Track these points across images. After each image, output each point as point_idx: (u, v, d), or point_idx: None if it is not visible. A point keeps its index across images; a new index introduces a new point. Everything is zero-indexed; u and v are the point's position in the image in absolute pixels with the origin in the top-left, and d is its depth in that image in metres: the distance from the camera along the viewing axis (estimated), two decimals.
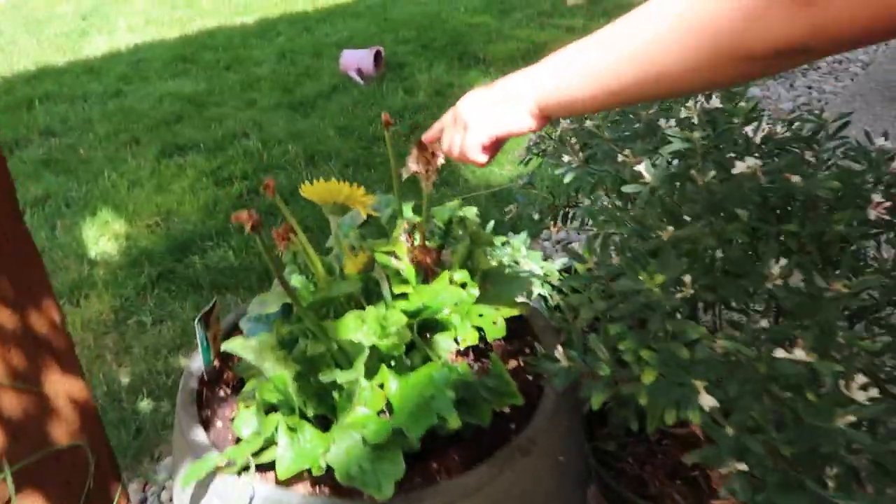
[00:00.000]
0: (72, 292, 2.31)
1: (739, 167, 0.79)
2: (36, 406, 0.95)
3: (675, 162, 0.95)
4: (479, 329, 0.96)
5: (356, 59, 3.97)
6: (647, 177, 0.85)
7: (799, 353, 0.73)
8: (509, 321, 0.92)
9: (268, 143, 3.26)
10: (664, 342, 0.81)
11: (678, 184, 0.84)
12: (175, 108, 3.71)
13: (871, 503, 0.66)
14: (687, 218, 0.84)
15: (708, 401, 0.70)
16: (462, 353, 0.98)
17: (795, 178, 0.83)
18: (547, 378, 0.87)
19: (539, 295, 1.18)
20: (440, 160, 0.85)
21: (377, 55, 4.01)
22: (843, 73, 3.96)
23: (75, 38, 5.20)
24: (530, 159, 1.71)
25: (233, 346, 0.81)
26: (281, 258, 0.93)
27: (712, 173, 0.91)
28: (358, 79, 3.93)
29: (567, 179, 1.10)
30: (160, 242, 2.54)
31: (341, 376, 0.75)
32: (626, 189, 0.89)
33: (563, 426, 0.88)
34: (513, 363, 0.98)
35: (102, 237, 2.63)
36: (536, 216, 1.68)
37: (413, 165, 0.85)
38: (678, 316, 0.81)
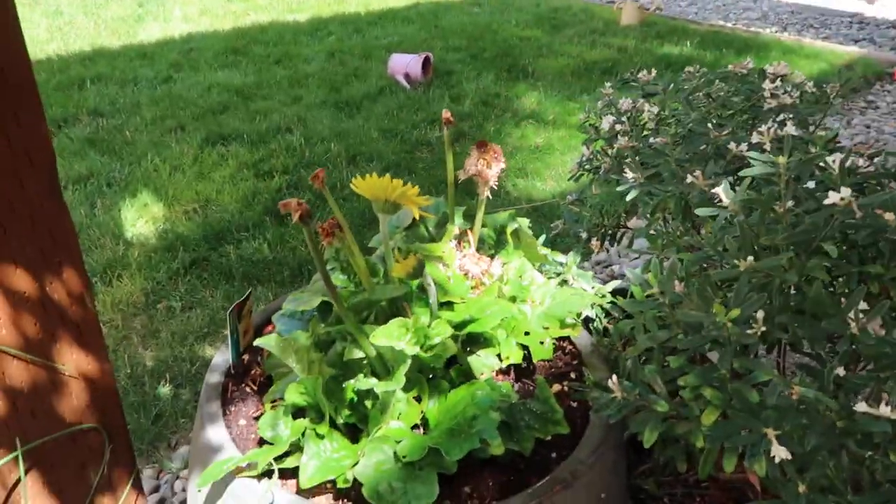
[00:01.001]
0: (105, 271, 2.30)
1: (832, 197, 0.72)
2: (55, 384, 0.91)
3: (752, 187, 0.88)
4: (524, 347, 0.90)
5: (404, 64, 3.95)
6: (726, 200, 0.78)
7: (884, 410, 0.66)
8: (561, 351, 0.86)
9: (311, 140, 3.24)
10: (728, 381, 0.74)
11: (758, 210, 0.78)
12: (222, 98, 3.72)
13: None
14: (765, 248, 0.77)
15: (780, 452, 0.63)
16: (503, 372, 0.92)
17: (889, 216, 0.75)
18: (594, 407, 0.81)
19: (587, 317, 1.11)
20: (501, 164, 0.79)
21: (426, 61, 3.99)
22: None
23: (131, 23, 5.29)
24: (581, 175, 1.65)
25: (267, 342, 0.76)
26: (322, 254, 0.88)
27: (790, 203, 0.84)
28: (405, 83, 3.91)
29: (630, 196, 1.04)
30: (196, 229, 2.53)
31: (380, 385, 0.69)
32: (701, 212, 0.82)
33: (609, 460, 0.81)
34: (556, 387, 0.92)
35: (140, 219, 2.63)
36: (584, 234, 1.61)
37: (472, 167, 0.79)
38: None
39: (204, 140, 3.21)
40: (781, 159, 0.80)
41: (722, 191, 0.79)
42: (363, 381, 0.71)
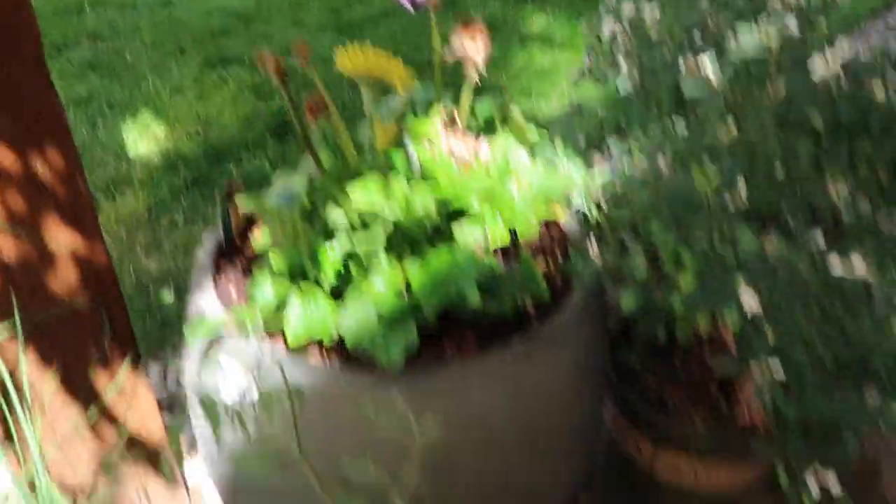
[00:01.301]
0: (108, 187, 2.32)
1: (820, 69, 0.72)
2: (50, 261, 0.94)
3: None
4: (512, 231, 0.91)
5: None
6: (712, 77, 0.77)
7: (858, 266, 0.67)
8: (546, 231, 0.87)
9: (312, 62, 3.19)
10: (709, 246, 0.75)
11: (746, 84, 0.77)
12: (223, 22, 3.66)
13: None
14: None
15: (749, 301, 0.65)
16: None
17: (880, 94, 0.75)
18: (576, 278, 0.83)
19: (577, 210, 1.12)
20: (486, 44, 0.79)
21: None
22: None
23: None
24: (581, 81, 1.63)
25: (252, 203, 0.78)
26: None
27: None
28: (409, 6, 3.82)
29: (622, 88, 1.03)
30: (198, 149, 2.53)
31: (359, 241, 0.71)
32: (688, 91, 0.81)
33: (587, 326, 0.84)
34: (543, 266, 0.94)
35: (142, 139, 2.64)
36: (582, 144, 1.60)
37: (459, 47, 0.79)
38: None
39: (204, 62, 3.17)
40: (773, 31, 0.79)
41: (707, 60, 0.78)
42: (343, 240, 0.72)
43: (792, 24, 1.12)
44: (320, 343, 0.75)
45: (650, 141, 1.07)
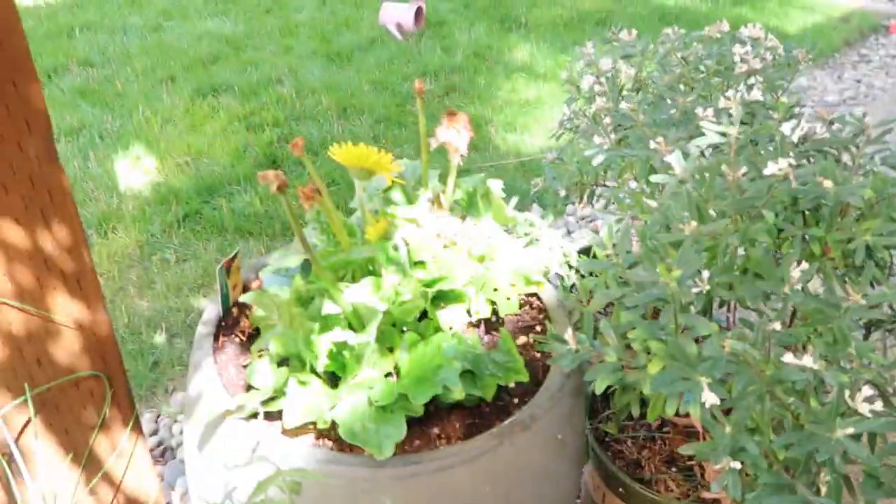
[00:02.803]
0: (100, 224, 2.36)
1: (772, 168, 0.78)
2: (56, 333, 0.98)
3: (708, 154, 0.94)
4: (493, 303, 0.97)
5: (396, 14, 3.92)
6: (677, 168, 0.84)
7: (808, 360, 0.73)
8: (528, 303, 0.93)
9: (301, 92, 3.25)
10: (674, 335, 0.81)
11: (707, 177, 0.83)
12: (213, 48, 3.71)
13: None
14: (713, 213, 0.83)
15: (710, 397, 0.71)
16: (474, 325, 0.99)
17: (828, 183, 0.82)
18: (553, 358, 0.89)
19: (556, 274, 1.18)
20: (469, 133, 0.85)
21: (418, 11, 3.95)
22: (895, 70, 3.83)
23: None
24: (562, 134, 1.70)
25: (251, 298, 0.83)
26: (304, 216, 0.94)
27: (743, 170, 0.90)
28: (397, 34, 3.89)
29: (596, 162, 1.09)
30: (189, 182, 2.57)
31: (353, 338, 0.76)
32: (654, 178, 0.88)
33: (566, 406, 0.90)
34: (522, 339, 1.00)
35: (133, 172, 2.68)
36: (563, 192, 1.67)
37: (442, 135, 0.85)
38: (692, 310, 0.81)
39: (195, 91, 3.22)
40: (732, 129, 0.86)
41: (674, 159, 0.85)
42: (338, 333, 0.78)
43: (756, 95, 1.20)
44: (315, 425, 0.80)
45: (623, 209, 1.14)
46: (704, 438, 0.98)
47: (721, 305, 1.03)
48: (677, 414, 0.99)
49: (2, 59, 0.82)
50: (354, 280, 0.85)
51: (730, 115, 1.09)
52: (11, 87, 0.83)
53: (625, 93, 1.55)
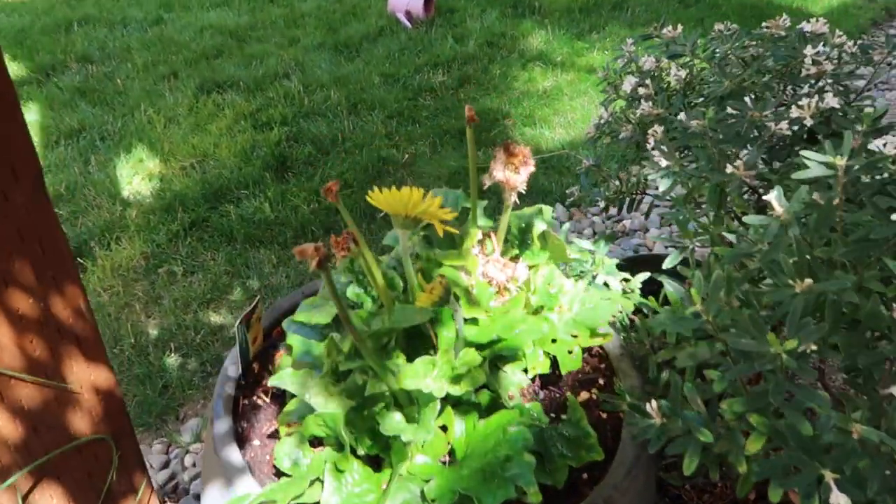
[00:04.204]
0: (103, 234, 2.24)
1: None
2: (58, 397, 0.87)
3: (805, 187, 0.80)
4: (548, 354, 0.84)
5: (405, 1, 3.76)
6: (779, 209, 0.71)
7: None
8: (589, 357, 0.81)
9: (309, 87, 3.11)
10: (785, 411, 0.69)
11: (813, 218, 0.70)
12: (216, 41, 3.56)
13: None
14: (818, 259, 0.70)
15: (841, 500, 0.59)
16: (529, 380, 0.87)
17: None
18: (631, 432, 0.76)
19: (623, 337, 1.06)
20: (531, 167, 0.72)
21: None
22: None
23: None
24: (599, 138, 1.56)
25: (281, 380, 0.71)
26: (335, 266, 0.81)
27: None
28: (406, 22, 3.73)
29: (663, 187, 0.96)
30: (195, 187, 2.44)
31: (406, 433, 0.64)
32: (749, 220, 0.75)
33: (641, 481, 0.77)
34: (583, 394, 0.87)
35: (136, 176, 2.55)
36: (602, 203, 1.54)
37: (499, 173, 0.72)
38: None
39: (199, 88, 3.07)
40: (839, 160, 0.73)
41: (774, 198, 0.72)
42: (390, 426, 0.66)
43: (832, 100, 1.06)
44: None
45: (692, 240, 1.01)
46: None
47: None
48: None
49: None
50: (398, 345, 0.73)
51: (803, 125, 0.95)
52: None
53: (671, 96, 1.42)
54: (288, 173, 2.54)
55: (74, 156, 2.63)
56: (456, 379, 0.68)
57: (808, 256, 0.72)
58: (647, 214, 1.72)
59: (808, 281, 0.64)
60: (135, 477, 0.99)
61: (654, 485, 0.86)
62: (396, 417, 0.68)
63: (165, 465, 1.64)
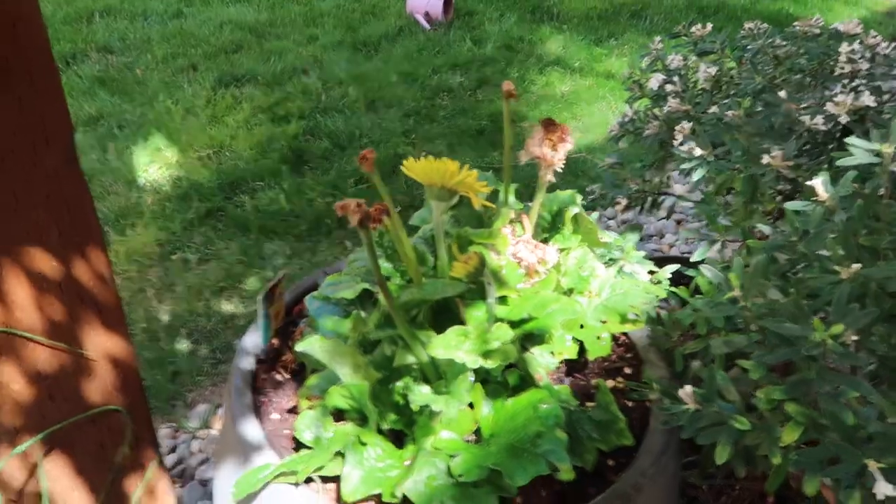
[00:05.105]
0: (118, 220, 2.23)
1: None
2: (75, 364, 0.85)
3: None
4: (579, 341, 0.83)
5: (424, 2, 3.76)
6: (824, 195, 0.69)
7: None
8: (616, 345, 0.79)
9: (327, 83, 3.11)
10: (824, 399, 0.67)
11: (858, 206, 0.69)
12: (235, 36, 3.57)
13: None
14: (861, 246, 0.69)
15: (887, 490, 0.56)
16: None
17: None
18: (662, 419, 0.74)
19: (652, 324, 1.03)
20: (570, 144, 0.70)
21: (447, 0, 3.79)
22: None
23: None
24: (622, 136, 1.55)
25: (308, 347, 0.69)
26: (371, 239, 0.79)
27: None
28: (425, 23, 3.73)
29: (696, 176, 0.95)
30: (211, 177, 2.44)
31: (437, 402, 0.63)
32: (792, 206, 0.73)
33: (670, 470, 0.75)
34: (609, 382, 0.85)
35: (153, 164, 2.55)
36: (623, 201, 1.52)
37: (536, 148, 0.70)
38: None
39: (217, 81, 3.08)
40: (886, 147, 0.71)
41: (819, 184, 0.70)
42: (417, 395, 0.64)
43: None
44: (378, 497, 0.66)
45: (722, 234, 0.99)
46: None
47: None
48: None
49: (16, 46, 0.68)
50: (427, 320, 0.71)
51: (837, 122, 0.94)
52: (26, 82, 0.69)
53: (699, 94, 1.40)
54: (304, 167, 2.53)
55: (93, 143, 2.63)
56: (487, 354, 0.66)
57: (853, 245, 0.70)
58: (668, 216, 1.70)
59: (856, 266, 0.62)
60: (147, 452, 0.98)
61: (679, 478, 0.84)
62: (424, 389, 0.66)
63: (173, 449, 1.62)
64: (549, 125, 0.71)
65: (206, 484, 1.55)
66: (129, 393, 0.93)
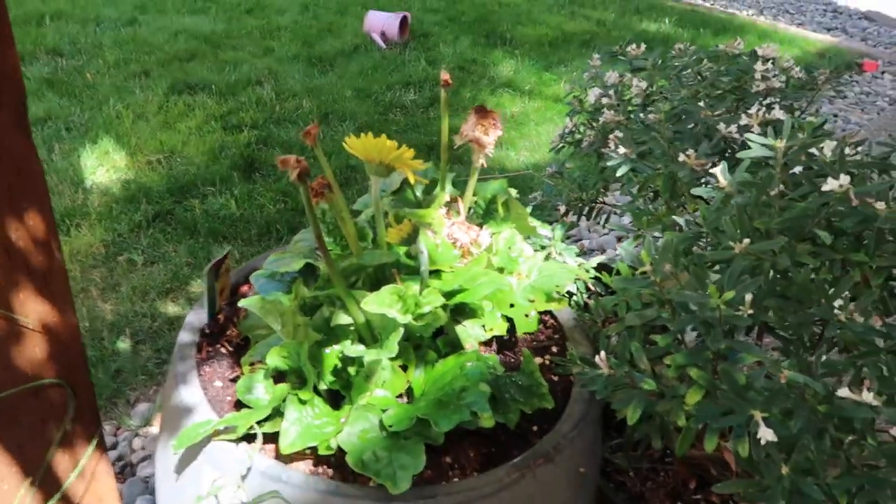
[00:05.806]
0: (63, 220, 2.21)
1: (831, 184, 0.72)
2: (15, 333, 0.87)
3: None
4: (508, 319, 0.89)
5: (381, 22, 3.85)
6: (723, 181, 0.78)
7: (866, 395, 0.67)
8: (537, 316, 0.85)
9: (282, 95, 3.15)
10: (711, 362, 0.75)
11: (753, 193, 0.77)
12: (190, 45, 3.58)
13: None
14: (757, 230, 0.77)
15: (767, 434, 0.64)
16: (485, 344, 0.91)
17: (880, 205, 0.76)
18: (580, 382, 0.81)
19: (568, 291, 1.11)
20: (499, 131, 0.77)
21: (403, 21, 3.89)
22: (871, 107, 3.89)
23: None
24: (562, 147, 1.64)
25: (251, 303, 0.73)
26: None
27: (780, 187, 0.84)
28: (381, 42, 3.82)
29: (620, 172, 1.03)
30: (160, 181, 2.44)
31: (369, 353, 0.67)
32: (697, 192, 0.81)
33: (589, 435, 0.82)
34: (538, 360, 0.92)
35: (101, 167, 2.53)
36: (562, 208, 1.61)
37: (469, 132, 0.77)
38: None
39: (169, 88, 3.08)
40: (779, 143, 0.80)
41: (719, 172, 0.78)
42: (351, 349, 0.69)
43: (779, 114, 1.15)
44: (314, 450, 0.70)
45: (645, 228, 1.07)
46: (737, 476, 0.91)
47: (748, 332, 0.97)
48: (693, 446, 0.92)
49: None
50: (365, 288, 0.76)
51: (772, 128, 1.04)
52: None
53: (632, 107, 1.50)
54: (256, 174, 2.55)
55: (39, 143, 2.59)
56: (419, 317, 0.71)
57: (747, 228, 0.78)
58: (605, 221, 1.80)
59: (746, 241, 0.70)
60: (88, 430, 0.99)
61: (599, 449, 0.90)
62: (360, 347, 0.71)
63: (114, 446, 1.61)
64: (482, 111, 0.77)
65: (147, 481, 1.54)
66: (73, 369, 0.94)
